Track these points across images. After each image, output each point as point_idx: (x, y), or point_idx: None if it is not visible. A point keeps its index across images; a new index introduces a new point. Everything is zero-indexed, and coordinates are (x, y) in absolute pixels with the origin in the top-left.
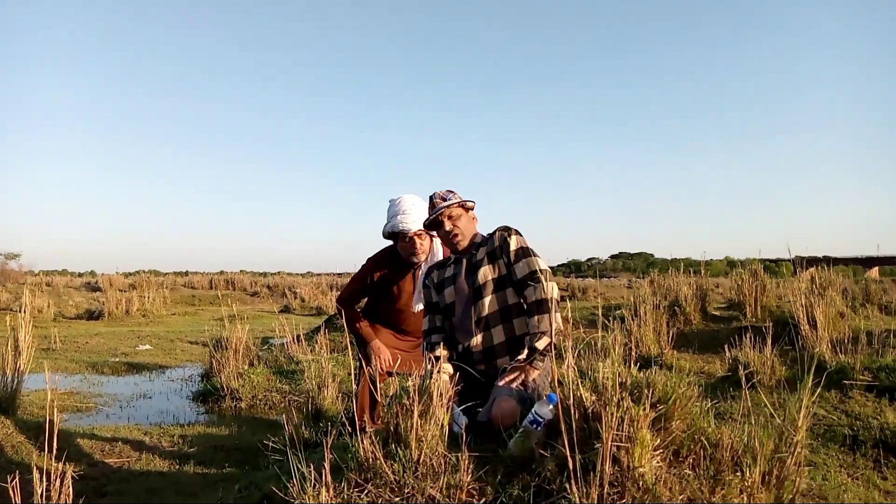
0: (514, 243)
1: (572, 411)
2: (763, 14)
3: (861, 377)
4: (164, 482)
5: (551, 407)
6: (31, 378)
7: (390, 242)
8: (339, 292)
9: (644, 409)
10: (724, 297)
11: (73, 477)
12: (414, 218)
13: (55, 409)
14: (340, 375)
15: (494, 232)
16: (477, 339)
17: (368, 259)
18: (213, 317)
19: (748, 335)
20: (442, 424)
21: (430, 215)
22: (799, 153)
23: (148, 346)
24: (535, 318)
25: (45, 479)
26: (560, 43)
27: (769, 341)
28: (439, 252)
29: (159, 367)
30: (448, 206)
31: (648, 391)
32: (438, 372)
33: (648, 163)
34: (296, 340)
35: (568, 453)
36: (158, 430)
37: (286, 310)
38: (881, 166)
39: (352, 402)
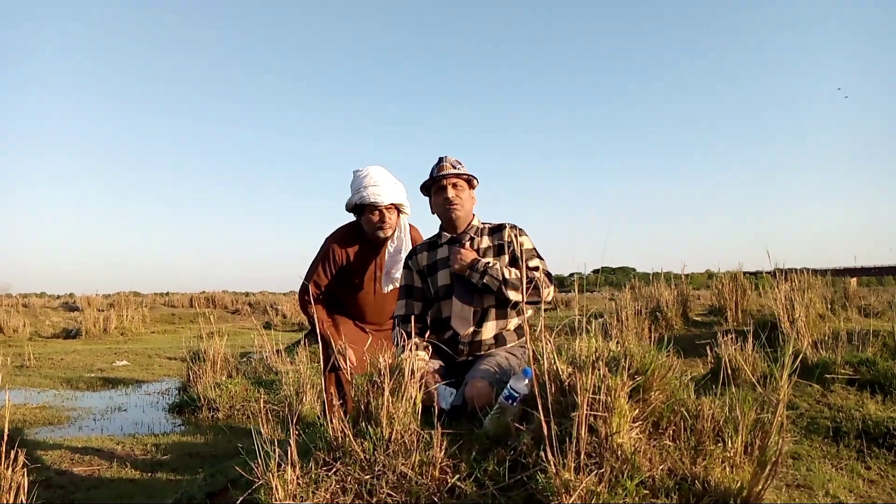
0: (528, 243)
1: (548, 385)
2: (738, 32)
3: (842, 371)
4: (135, 488)
5: (527, 381)
6: (1, 395)
7: (352, 218)
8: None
9: (622, 378)
10: (705, 306)
11: (33, 484)
12: (386, 190)
13: (16, 417)
14: (320, 385)
15: (502, 225)
16: (470, 329)
17: (328, 237)
18: (193, 335)
19: (730, 337)
20: (414, 402)
21: (434, 174)
22: (776, 167)
23: (125, 362)
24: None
25: None
26: (536, 59)
27: (750, 339)
28: (407, 238)
29: (136, 381)
30: (458, 175)
31: (626, 361)
32: (411, 350)
33: (630, 178)
34: (276, 353)
35: (543, 419)
36: (132, 440)
37: (268, 326)
38: (858, 180)
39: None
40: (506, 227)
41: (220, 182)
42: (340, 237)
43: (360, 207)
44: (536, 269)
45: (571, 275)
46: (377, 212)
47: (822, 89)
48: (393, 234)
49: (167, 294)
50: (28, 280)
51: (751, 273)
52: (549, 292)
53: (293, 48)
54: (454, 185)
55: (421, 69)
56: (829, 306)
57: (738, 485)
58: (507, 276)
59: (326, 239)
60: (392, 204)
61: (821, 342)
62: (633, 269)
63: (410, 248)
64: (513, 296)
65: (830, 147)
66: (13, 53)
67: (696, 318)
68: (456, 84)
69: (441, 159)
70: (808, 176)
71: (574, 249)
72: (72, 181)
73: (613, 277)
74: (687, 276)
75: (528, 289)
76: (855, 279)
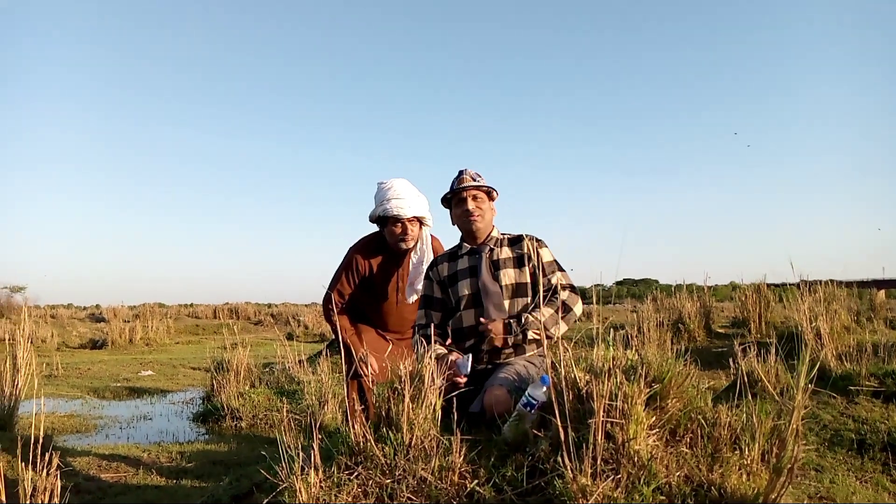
0: (547, 255)
1: (566, 392)
2: (766, 35)
3: (867, 383)
4: (161, 494)
5: (545, 389)
6: (30, 403)
7: (375, 228)
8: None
9: (639, 386)
10: (728, 318)
11: (64, 488)
12: (409, 203)
13: (47, 425)
14: (341, 394)
15: (521, 236)
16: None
17: (351, 248)
18: (217, 345)
19: (753, 349)
20: (434, 408)
21: (455, 186)
22: (802, 177)
23: (150, 372)
24: (548, 306)
25: (32, 493)
26: (563, 65)
27: (773, 351)
28: (429, 248)
29: (161, 391)
30: (477, 187)
31: (643, 369)
32: (430, 355)
33: (652, 188)
34: (298, 363)
35: (560, 425)
36: (157, 448)
37: (290, 337)
38: (885, 188)
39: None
40: (525, 238)
41: (243, 195)
42: (363, 248)
43: (384, 219)
44: (565, 288)
45: (594, 286)
46: (400, 224)
47: (850, 99)
48: (415, 245)
49: (191, 305)
50: (56, 292)
51: (776, 285)
52: (579, 307)
53: (315, 60)
54: (474, 198)
55: (446, 84)
56: (855, 318)
57: (755, 492)
58: (543, 319)
59: (350, 249)
60: (415, 216)
61: (845, 354)
62: (656, 281)
63: (432, 258)
64: (556, 331)
65: (858, 158)
66: (31, 60)
67: (720, 330)
68: (480, 97)
69: (461, 172)
70: (836, 187)
71: (596, 261)
72: (99, 195)
73: (636, 289)
74: (710, 287)
75: (560, 310)
76: (883, 291)
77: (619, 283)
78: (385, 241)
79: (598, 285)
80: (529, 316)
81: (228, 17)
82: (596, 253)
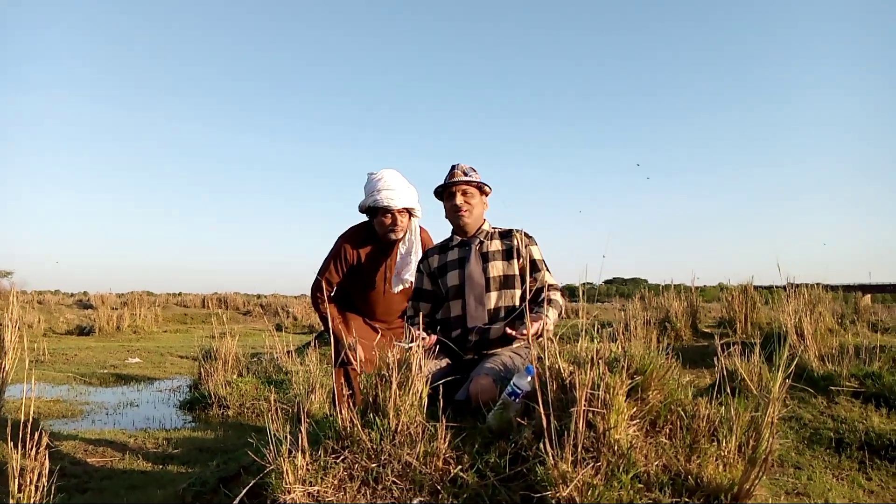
0: (536, 253)
1: (550, 382)
2: (752, 40)
3: (847, 384)
4: (147, 479)
5: (529, 379)
6: (16, 388)
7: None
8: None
9: (621, 377)
10: (715, 318)
11: (52, 471)
12: (399, 194)
13: (34, 409)
14: (329, 385)
15: (511, 231)
16: (483, 325)
17: (340, 236)
18: (205, 334)
19: (737, 348)
20: (421, 395)
21: (447, 181)
22: (792, 180)
23: (137, 360)
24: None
25: (20, 474)
26: (554, 70)
27: (756, 350)
28: (418, 239)
29: (148, 378)
30: (467, 182)
31: (625, 361)
32: (417, 342)
33: (643, 188)
34: (286, 354)
35: (543, 413)
36: (143, 434)
37: (278, 328)
38: (873, 193)
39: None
40: (515, 232)
41: (234, 186)
42: (352, 237)
43: (374, 209)
44: (554, 288)
45: (583, 284)
46: (390, 215)
47: (841, 106)
48: (404, 236)
49: (180, 294)
50: (43, 278)
51: (764, 287)
52: (562, 305)
53: (300, 54)
54: (464, 193)
55: (439, 80)
56: (839, 321)
57: (730, 482)
58: (549, 323)
59: (339, 238)
60: (404, 207)
61: (828, 356)
62: (645, 281)
63: (421, 250)
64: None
65: (850, 163)
66: (25, 53)
67: (706, 330)
68: (479, 94)
69: (454, 167)
70: (826, 192)
71: (586, 259)
72: (88, 183)
73: (625, 288)
74: (698, 288)
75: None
76: (869, 296)
77: (608, 282)
78: (374, 231)
79: (586, 283)
80: (547, 317)
81: (216, 10)
82: (587, 251)
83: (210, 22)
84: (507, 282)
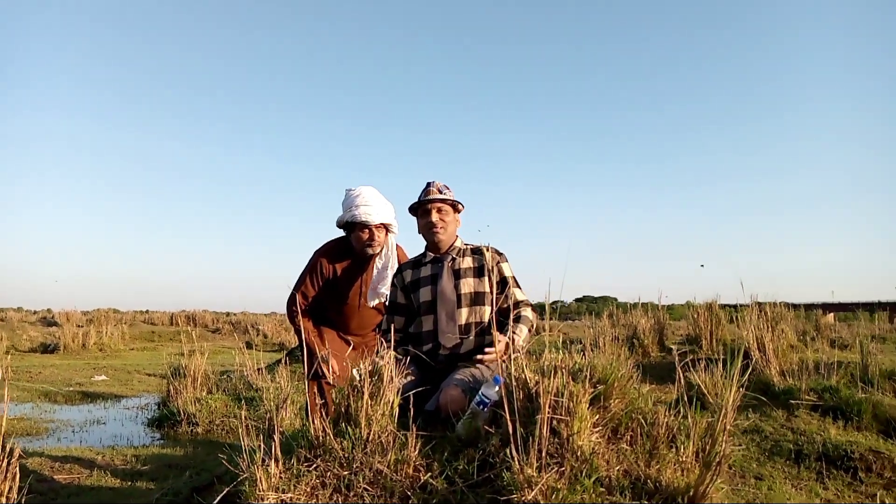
0: (507, 270)
1: (517, 392)
2: (725, 59)
3: (807, 398)
4: (115, 495)
5: (497, 388)
6: None
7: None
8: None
9: (584, 386)
10: (682, 335)
11: (20, 489)
12: (377, 210)
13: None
14: (300, 401)
15: (482, 248)
16: (450, 344)
17: (316, 251)
18: (174, 352)
19: (702, 363)
20: (392, 405)
21: (422, 198)
22: (756, 201)
23: (104, 378)
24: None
25: None
26: (523, 83)
27: (719, 366)
28: (394, 255)
29: (115, 396)
30: (443, 200)
31: (588, 371)
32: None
33: (613, 207)
34: (256, 371)
35: (509, 419)
36: (111, 452)
37: (248, 345)
38: (836, 214)
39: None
40: (486, 250)
41: (201, 202)
42: (328, 251)
43: (351, 224)
44: (524, 304)
45: (554, 302)
46: (367, 230)
47: (813, 129)
48: (381, 251)
49: (147, 312)
50: (5, 295)
51: (730, 305)
52: (532, 321)
53: (266, 66)
54: (438, 210)
55: (415, 97)
56: (801, 337)
57: (686, 484)
58: (520, 339)
59: (315, 252)
60: (381, 223)
61: (789, 371)
62: (615, 299)
63: (396, 265)
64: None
65: (813, 182)
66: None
67: (673, 346)
68: (451, 111)
69: (429, 184)
70: (795, 213)
71: (559, 277)
72: (52, 198)
73: (595, 306)
74: (665, 306)
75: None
76: (832, 314)
77: (578, 300)
78: (350, 246)
79: (556, 301)
80: (514, 337)
81: (198, 23)
82: (555, 269)
83: (173, 38)
84: (477, 298)
